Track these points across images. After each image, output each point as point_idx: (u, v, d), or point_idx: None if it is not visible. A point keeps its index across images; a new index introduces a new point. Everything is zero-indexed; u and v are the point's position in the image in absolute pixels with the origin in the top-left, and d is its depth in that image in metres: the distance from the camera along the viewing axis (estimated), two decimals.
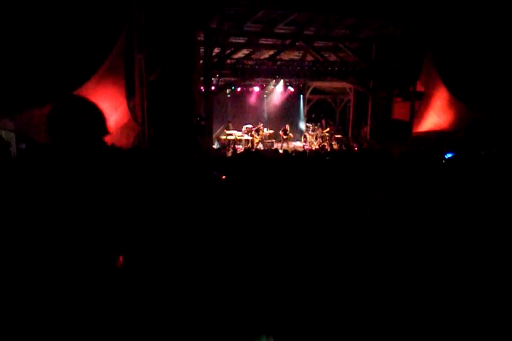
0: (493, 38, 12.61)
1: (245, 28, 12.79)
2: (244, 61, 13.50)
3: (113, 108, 12.08)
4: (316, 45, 14.30)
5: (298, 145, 17.08)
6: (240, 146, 15.43)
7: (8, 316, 1.28)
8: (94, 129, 9.74)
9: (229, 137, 15.49)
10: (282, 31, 13.42)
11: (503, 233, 3.68)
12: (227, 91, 16.74)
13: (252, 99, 17.92)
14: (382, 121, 15.20)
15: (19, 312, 1.31)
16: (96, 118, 10.27)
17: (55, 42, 11.00)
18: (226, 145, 15.39)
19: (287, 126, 16.56)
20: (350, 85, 15.72)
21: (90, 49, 11.53)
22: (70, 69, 11.12)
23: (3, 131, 9.07)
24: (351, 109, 16.34)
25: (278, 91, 17.75)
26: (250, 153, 8.71)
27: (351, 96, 16.26)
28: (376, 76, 14.60)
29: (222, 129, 16.30)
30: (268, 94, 17.98)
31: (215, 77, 13.03)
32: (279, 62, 13.64)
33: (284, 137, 16.38)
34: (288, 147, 15.55)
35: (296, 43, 13.82)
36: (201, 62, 12.67)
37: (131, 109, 12.45)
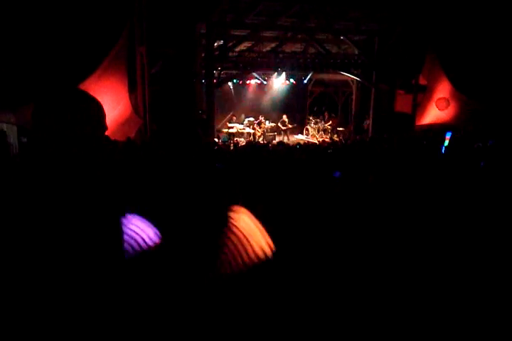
0: (495, 31, 12.52)
1: (247, 21, 12.72)
2: (246, 53, 13.46)
3: (115, 102, 12.08)
4: (318, 37, 14.21)
5: (300, 138, 17.05)
6: (242, 139, 15.42)
7: (7, 316, 1.30)
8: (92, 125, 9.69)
9: (231, 130, 15.47)
10: (284, 23, 13.34)
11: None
12: (229, 84, 16.70)
13: (254, 92, 17.87)
14: (384, 114, 15.17)
15: (19, 311, 1.32)
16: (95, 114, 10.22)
17: (58, 36, 11.00)
18: (228, 138, 15.39)
19: (285, 117, 16.42)
20: (352, 78, 15.65)
21: (94, 43, 11.54)
22: (73, 63, 11.14)
23: (4, 125, 9.10)
24: (353, 101, 16.29)
25: (280, 84, 17.68)
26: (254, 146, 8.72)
27: (353, 89, 16.19)
28: (379, 68, 14.53)
29: (225, 122, 16.29)
30: (270, 87, 17.91)
31: (216, 69, 13.00)
32: (281, 55, 13.59)
33: (283, 128, 16.30)
34: (289, 140, 15.53)
35: (299, 35, 13.75)
36: (203, 54, 12.63)
37: (134, 103, 12.45)
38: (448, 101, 14.14)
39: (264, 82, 17.31)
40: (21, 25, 10.52)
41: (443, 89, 14.23)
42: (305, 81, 18.23)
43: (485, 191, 4.41)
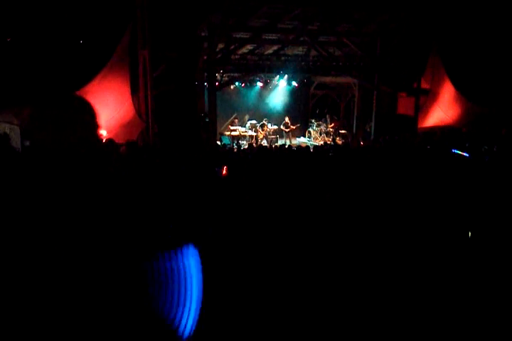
0: (498, 33, 12.49)
1: (249, 23, 12.73)
2: (248, 56, 13.45)
3: (118, 104, 12.10)
4: (320, 39, 14.20)
5: (302, 140, 17.04)
6: (244, 142, 15.41)
7: (8, 316, 1.29)
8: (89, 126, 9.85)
9: (233, 133, 15.46)
10: (286, 26, 13.35)
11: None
12: (232, 86, 16.70)
13: (256, 95, 17.86)
14: (386, 116, 15.14)
15: (19, 311, 1.31)
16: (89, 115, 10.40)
17: (61, 39, 11.04)
18: (230, 141, 15.38)
19: (287, 119, 16.44)
20: (354, 80, 15.64)
21: (96, 46, 11.57)
22: (76, 66, 11.17)
23: (7, 128, 9.10)
24: (356, 104, 16.26)
25: (282, 87, 17.68)
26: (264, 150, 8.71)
27: (356, 92, 16.18)
28: (381, 71, 14.51)
29: (228, 125, 16.29)
30: (272, 90, 17.91)
31: (218, 72, 12.99)
32: (283, 58, 13.58)
33: (286, 130, 16.30)
34: (291, 143, 15.52)
35: (301, 38, 13.74)
36: (205, 57, 12.63)
37: (136, 106, 12.47)
38: None
39: (267, 85, 17.31)
40: (25, 27, 10.56)
41: (446, 92, 14.19)
42: (310, 90, 18.26)
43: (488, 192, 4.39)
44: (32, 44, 10.67)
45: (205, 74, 12.69)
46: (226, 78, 14.05)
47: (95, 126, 10.29)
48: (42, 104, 10.41)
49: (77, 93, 11.14)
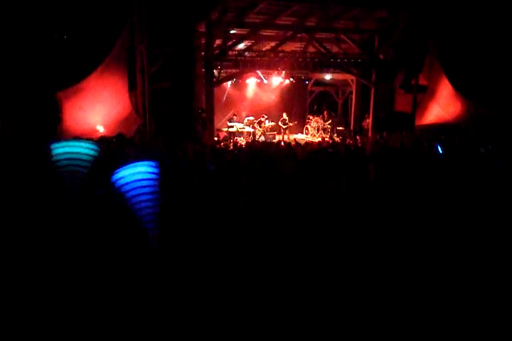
0: (496, 31, 12.50)
1: (247, 20, 12.69)
2: (246, 53, 13.40)
3: (115, 100, 12.07)
4: (318, 36, 14.16)
5: (299, 137, 17.00)
6: (242, 138, 15.38)
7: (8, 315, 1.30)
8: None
9: (230, 129, 15.41)
10: (284, 22, 13.30)
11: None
12: (229, 83, 16.65)
13: (254, 91, 17.82)
14: (384, 113, 15.14)
15: (19, 311, 1.32)
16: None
17: (60, 35, 11.02)
18: (228, 137, 15.32)
19: (285, 115, 16.29)
20: (352, 77, 15.61)
21: (94, 42, 11.54)
22: (74, 61, 11.15)
23: None
24: (353, 100, 16.24)
25: (280, 83, 17.64)
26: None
27: (353, 88, 16.14)
28: (378, 67, 14.49)
29: (225, 121, 16.24)
30: (270, 86, 17.87)
31: (216, 68, 12.96)
32: (280, 54, 13.53)
33: (284, 127, 16.20)
34: (289, 139, 15.47)
35: (298, 35, 13.70)
36: (203, 53, 12.60)
37: (133, 102, 12.44)
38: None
39: (265, 81, 17.25)
40: (24, 24, 10.53)
41: (445, 89, 14.18)
42: (308, 86, 18.27)
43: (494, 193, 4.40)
44: (32, 40, 10.65)
45: (203, 70, 12.65)
46: (224, 74, 13.99)
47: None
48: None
49: (73, 89, 11.14)
